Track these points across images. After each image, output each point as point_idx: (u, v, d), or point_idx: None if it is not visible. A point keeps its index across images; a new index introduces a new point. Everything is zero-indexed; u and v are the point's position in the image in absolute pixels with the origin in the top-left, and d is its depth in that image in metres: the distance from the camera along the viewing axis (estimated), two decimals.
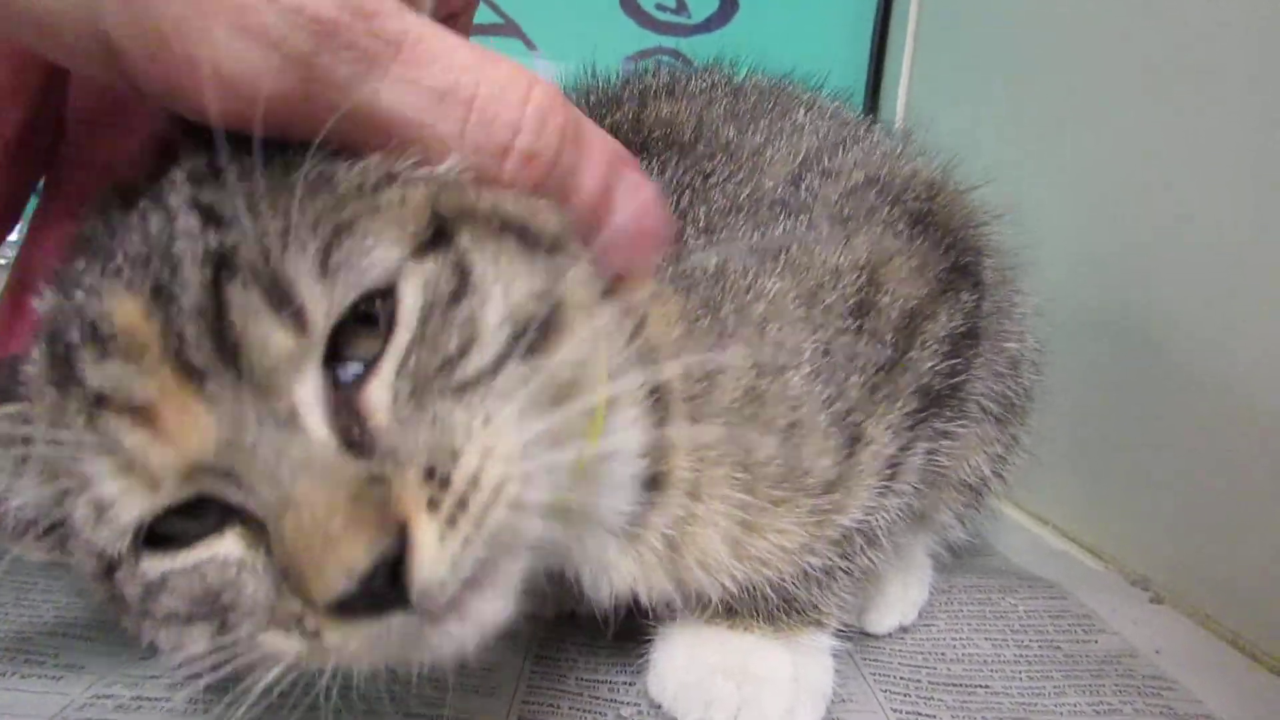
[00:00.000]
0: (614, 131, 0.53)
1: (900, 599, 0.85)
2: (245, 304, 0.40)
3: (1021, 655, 0.81)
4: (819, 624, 0.70)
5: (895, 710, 0.71)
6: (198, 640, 0.44)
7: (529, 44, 1.74)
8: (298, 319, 0.41)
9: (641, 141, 0.70)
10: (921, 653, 0.81)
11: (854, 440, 0.60)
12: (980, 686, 0.75)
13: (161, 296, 0.40)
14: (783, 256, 0.60)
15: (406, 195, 0.45)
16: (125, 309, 0.41)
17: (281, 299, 0.40)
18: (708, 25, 1.79)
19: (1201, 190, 0.95)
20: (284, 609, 0.41)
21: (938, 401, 0.66)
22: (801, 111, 0.77)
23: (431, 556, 0.40)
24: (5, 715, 0.59)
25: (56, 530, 0.48)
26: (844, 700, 0.71)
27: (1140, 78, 1.04)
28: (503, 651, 0.71)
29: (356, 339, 0.43)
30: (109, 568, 0.44)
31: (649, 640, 0.70)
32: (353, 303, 0.42)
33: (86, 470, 0.41)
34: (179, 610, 0.43)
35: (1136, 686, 0.75)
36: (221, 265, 0.40)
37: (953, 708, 0.72)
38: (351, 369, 0.43)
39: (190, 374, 0.40)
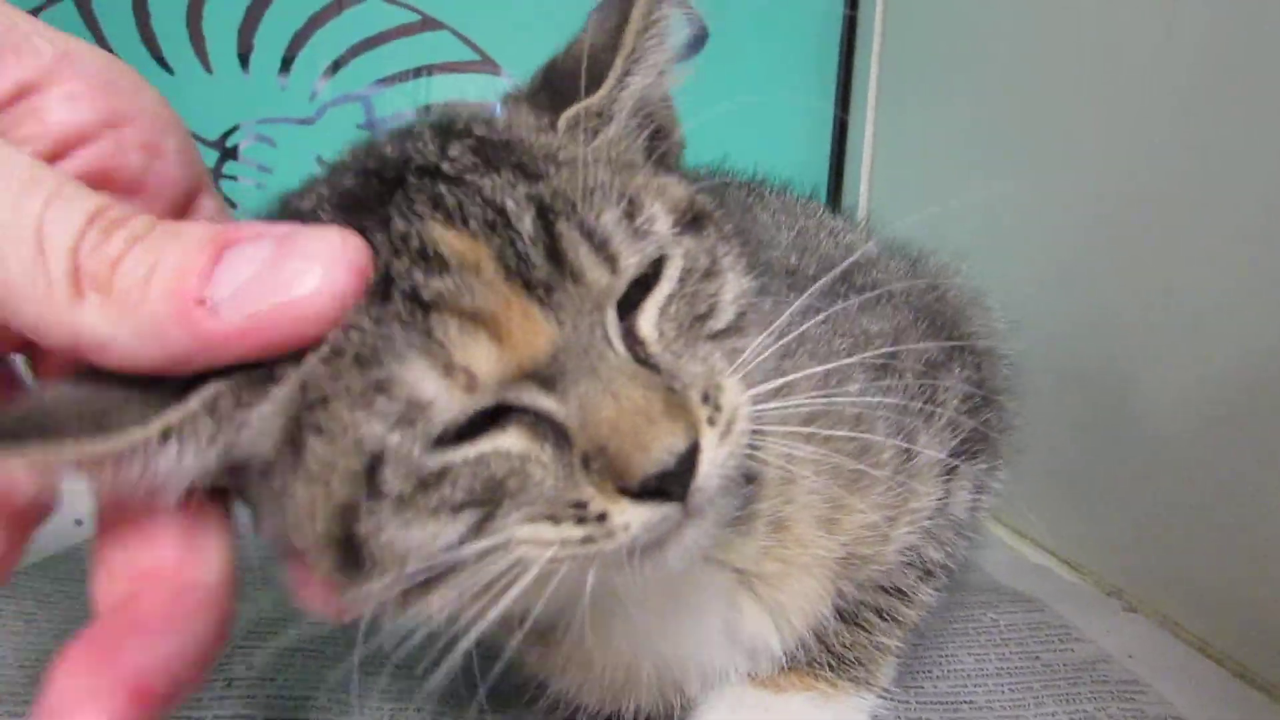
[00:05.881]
0: None
1: None
2: (574, 239, 0.50)
3: (1003, 668, 0.86)
4: (867, 684, 0.74)
5: None
6: (453, 531, 0.48)
7: (505, 79, 1.79)
8: (612, 263, 0.51)
9: None
10: (909, 671, 0.85)
11: (910, 442, 0.71)
12: (964, 702, 0.80)
13: (489, 229, 0.49)
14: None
15: (671, 186, 0.58)
16: (453, 237, 0.48)
17: (600, 244, 0.50)
18: (678, 55, 1.84)
19: (1144, 266, 1.02)
20: (568, 498, 0.48)
21: (973, 442, 0.77)
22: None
23: (711, 458, 0.50)
24: None
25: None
26: None
27: (1103, 162, 1.11)
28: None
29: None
30: (373, 467, 0.48)
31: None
32: (649, 265, 0.53)
33: (403, 372, 0.46)
34: (453, 499, 0.48)
35: (1110, 691, 0.80)
36: (541, 209, 0.50)
37: None
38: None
39: (532, 288, 0.48)
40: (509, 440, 0.49)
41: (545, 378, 0.48)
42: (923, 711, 0.79)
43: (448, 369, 0.47)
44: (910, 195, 1.66)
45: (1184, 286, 0.97)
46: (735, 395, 0.52)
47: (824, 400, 0.64)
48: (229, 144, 1.77)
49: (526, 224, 0.49)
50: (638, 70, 0.58)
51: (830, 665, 0.71)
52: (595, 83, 0.57)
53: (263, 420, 0.49)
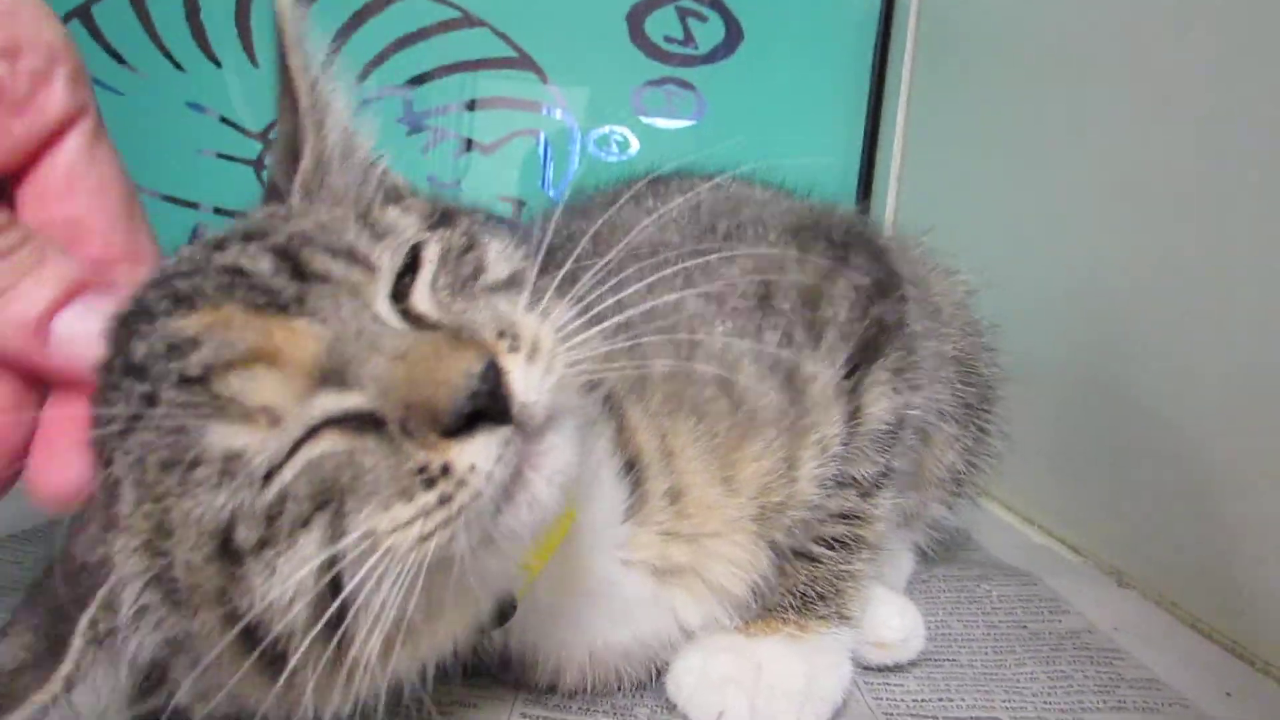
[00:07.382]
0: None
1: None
2: (316, 256, 0.53)
3: (989, 634, 0.88)
4: (840, 618, 0.74)
5: (868, 683, 0.78)
6: (312, 543, 0.48)
7: (542, 77, 1.84)
8: (365, 264, 0.54)
9: None
10: None
11: (791, 377, 0.71)
12: (948, 660, 0.83)
13: (228, 290, 0.51)
14: (679, 279, 0.69)
15: (413, 203, 0.62)
16: (192, 319, 0.50)
17: (346, 254, 0.54)
18: (713, 56, 1.87)
19: (1151, 270, 1.04)
20: (406, 469, 0.48)
21: (875, 344, 0.75)
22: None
23: (522, 375, 0.50)
24: None
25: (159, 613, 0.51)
26: None
27: (1124, 163, 1.12)
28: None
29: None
30: (226, 536, 0.48)
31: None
32: (405, 254, 0.56)
33: (209, 441, 0.48)
34: (300, 512, 0.48)
35: (1090, 657, 0.82)
36: (278, 249, 0.53)
37: (920, 678, 0.79)
38: None
39: (285, 308, 0.50)
40: (326, 443, 0.49)
41: (336, 374, 0.49)
42: (905, 665, 0.81)
43: (245, 416, 0.48)
44: (938, 199, 1.67)
45: (1189, 276, 0.98)
46: (535, 327, 0.53)
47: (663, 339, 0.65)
48: (272, 135, 1.83)
49: (264, 265, 0.52)
50: (326, 118, 0.62)
51: (794, 606, 0.73)
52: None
53: (140, 605, 0.51)
